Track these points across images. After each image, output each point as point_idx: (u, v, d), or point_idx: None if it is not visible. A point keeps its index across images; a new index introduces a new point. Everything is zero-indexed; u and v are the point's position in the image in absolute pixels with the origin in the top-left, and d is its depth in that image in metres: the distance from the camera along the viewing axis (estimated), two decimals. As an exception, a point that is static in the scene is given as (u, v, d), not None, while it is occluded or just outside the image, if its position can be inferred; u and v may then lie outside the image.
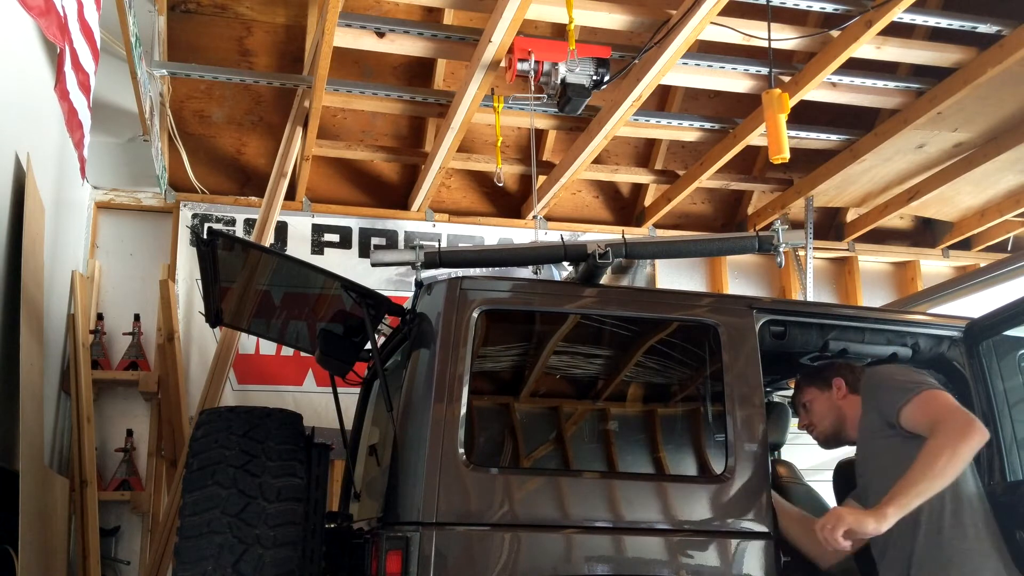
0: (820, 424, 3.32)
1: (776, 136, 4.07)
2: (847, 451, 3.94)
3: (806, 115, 5.55)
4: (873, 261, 7.12)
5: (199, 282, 5.15)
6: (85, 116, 3.68)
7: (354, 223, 6.09)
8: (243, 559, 2.81)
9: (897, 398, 2.93)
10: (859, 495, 3.16)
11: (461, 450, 2.84)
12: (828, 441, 3.36)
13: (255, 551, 2.83)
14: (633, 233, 6.50)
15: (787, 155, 4.03)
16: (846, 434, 3.29)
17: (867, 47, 4.67)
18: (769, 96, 4.14)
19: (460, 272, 3.30)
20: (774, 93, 4.13)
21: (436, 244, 6.03)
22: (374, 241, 6.12)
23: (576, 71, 4.41)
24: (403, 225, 6.20)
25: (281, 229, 5.91)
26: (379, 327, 3.56)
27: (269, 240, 5.61)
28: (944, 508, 2.87)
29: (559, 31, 5.20)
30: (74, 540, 4.84)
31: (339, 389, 3.77)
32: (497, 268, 4.45)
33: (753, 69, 5.05)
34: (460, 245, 6.14)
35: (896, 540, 2.91)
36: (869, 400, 3.10)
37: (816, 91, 5.05)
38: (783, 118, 4.10)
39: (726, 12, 4.29)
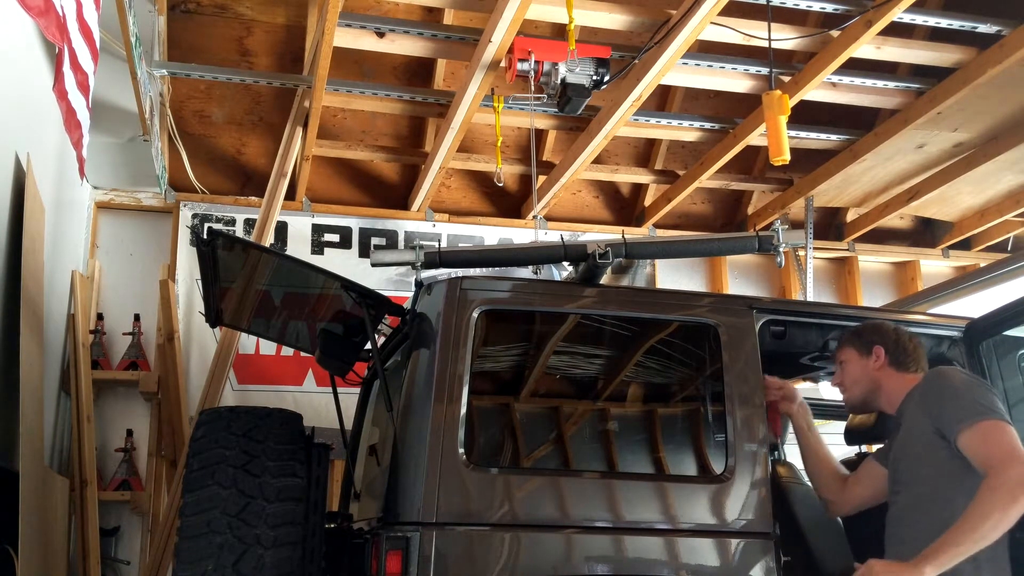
0: (851, 389, 3.19)
1: (777, 138, 4.07)
2: (848, 451, 3.95)
3: (806, 115, 5.55)
4: (873, 261, 7.12)
5: (199, 282, 5.14)
6: (84, 116, 3.67)
7: (354, 223, 6.09)
8: (243, 559, 2.81)
9: (961, 417, 2.74)
10: (890, 477, 3.07)
11: (461, 450, 2.84)
12: (855, 408, 3.26)
13: (255, 551, 2.82)
14: (633, 233, 6.50)
15: (787, 157, 4.04)
16: (877, 405, 3.16)
17: (867, 47, 4.67)
18: (769, 98, 4.14)
19: (460, 272, 3.30)
20: (774, 95, 4.13)
21: (436, 244, 6.02)
22: (374, 241, 6.12)
23: (576, 71, 4.41)
24: (403, 225, 6.20)
25: (281, 229, 5.91)
26: (379, 327, 3.56)
27: (269, 240, 5.61)
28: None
29: (559, 31, 5.20)
30: (74, 540, 4.84)
31: (339, 389, 3.78)
32: (497, 268, 4.45)
33: (753, 69, 5.05)
34: (460, 245, 6.14)
35: (922, 534, 2.87)
36: (927, 401, 2.91)
37: (816, 91, 5.05)
38: (783, 120, 4.10)
39: (726, 12, 4.29)
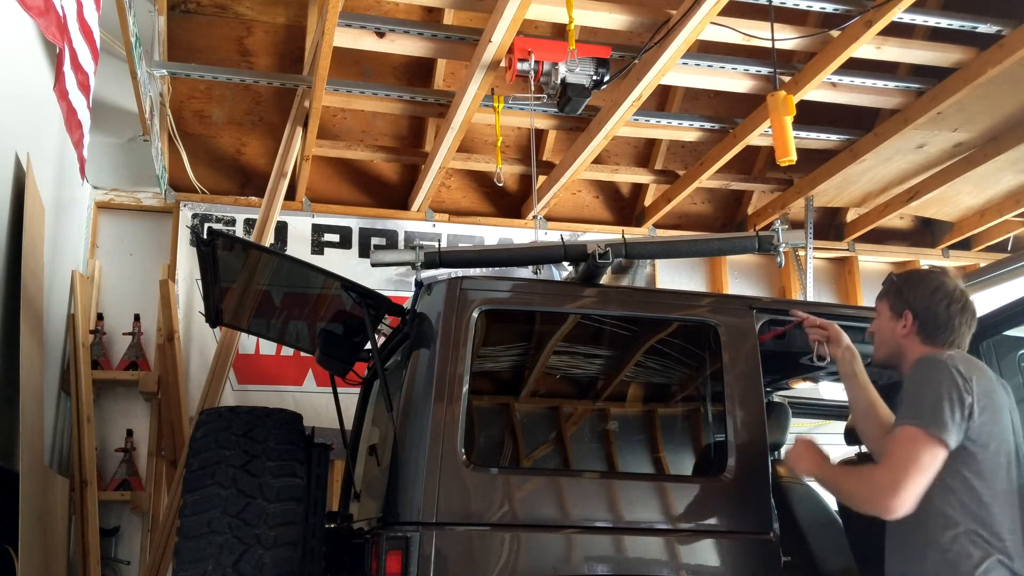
0: (877, 347, 2.97)
1: (783, 138, 4.07)
2: (847, 451, 3.95)
3: (806, 115, 5.55)
4: (873, 261, 7.12)
5: (199, 282, 5.15)
6: (84, 116, 3.67)
7: (354, 223, 6.09)
8: (243, 559, 2.81)
9: (901, 414, 2.68)
10: None
11: (461, 450, 2.84)
12: (880, 366, 3.03)
13: (255, 551, 2.83)
14: (633, 233, 6.50)
15: (794, 157, 4.04)
16: (901, 370, 2.90)
17: (867, 47, 4.67)
18: (775, 99, 4.14)
19: (460, 272, 3.30)
20: (779, 95, 4.13)
21: (436, 244, 6.03)
22: (374, 241, 6.12)
23: (576, 71, 4.41)
24: (403, 225, 6.20)
25: (281, 229, 5.91)
26: (379, 327, 3.56)
27: (269, 240, 5.61)
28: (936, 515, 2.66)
29: (559, 31, 5.20)
30: (74, 540, 4.85)
31: (339, 389, 3.78)
32: (497, 268, 4.45)
33: (753, 69, 5.05)
34: (460, 245, 6.14)
35: (901, 528, 2.82)
36: (905, 386, 2.79)
37: (816, 91, 5.05)
38: (789, 120, 4.10)
39: (726, 12, 4.29)
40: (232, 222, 5.85)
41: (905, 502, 2.54)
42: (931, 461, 2.55)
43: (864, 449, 3.81)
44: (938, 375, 2.66)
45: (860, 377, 3.06)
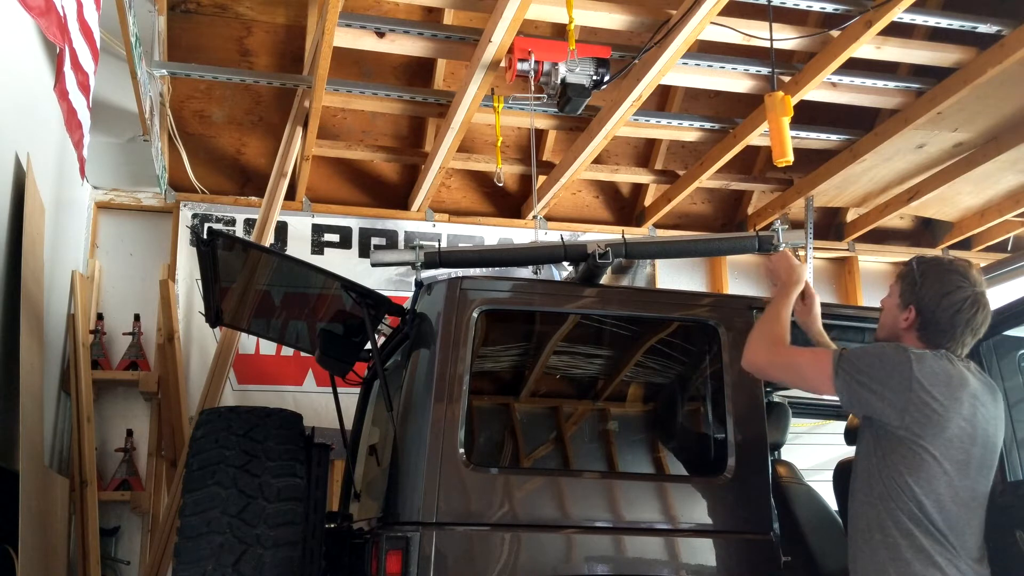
0: (880, 323, 2.96)
1: (779, 139, 4.07)
2: (847, 451, 3.95)
3: (806, 115, 5.55)
4: (873, 261, 7.12)
5: (199, 282, 5.15)
6: (85, 116, 3.67)
7: (354, 223, 6.09)
8: (243, 559, 2.81)
9: (845, 351, 2.79)
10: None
11: (461, 450, 2.84)
12: (877, 340, 3.03)
13: (255, 551, 2.83)
14: (633, 233, 6.50)
15: (791, 158, 4.04)
16: None
17: (867, 47, 4.67)
18: (772, 99, 4.14)
19: (460, 272, 3.30)
20: (777, 96, 4.13)
21: (436, 244, 6.02)
22: (374, 241, 6.12)
23: (576, 71, 4.41)
24: (403, 225, 6.20)
25: (281, 229, 5.91)
26: (379, 327, 3.56)
27: (269, 240, 5.61)
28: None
29: (559, 31, 5.20)
30: (74, 540, 4.84)
31: (339, 389, 3.78)
32: (497, 268, 4.45)
33: (753, 69, 5.05)
34: (460, 245, 6.15)
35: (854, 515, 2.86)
36: (867, 345, 2.89)
37: (816, 91, 5.05)
38: (786, 121, 4.10)
39: (726, 12, 4.29)
40: (232, 222, 5.85)
41: (756, 368, 2.91)
42: (808, 378, 2.82)
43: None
44: (891, 361, 2.69)
45: (815, 327, 3.15)
